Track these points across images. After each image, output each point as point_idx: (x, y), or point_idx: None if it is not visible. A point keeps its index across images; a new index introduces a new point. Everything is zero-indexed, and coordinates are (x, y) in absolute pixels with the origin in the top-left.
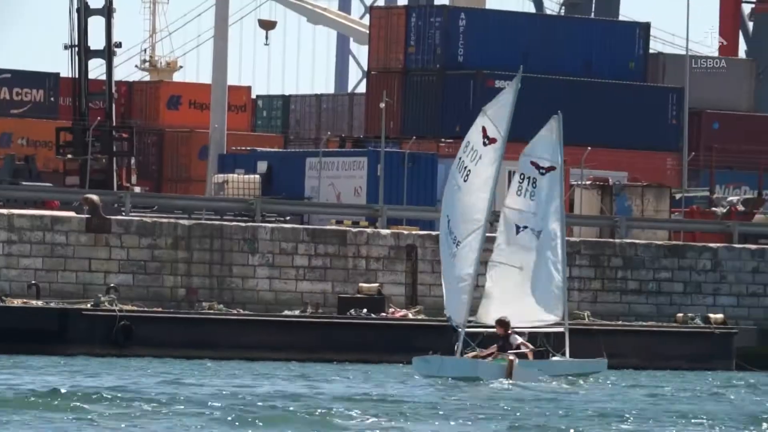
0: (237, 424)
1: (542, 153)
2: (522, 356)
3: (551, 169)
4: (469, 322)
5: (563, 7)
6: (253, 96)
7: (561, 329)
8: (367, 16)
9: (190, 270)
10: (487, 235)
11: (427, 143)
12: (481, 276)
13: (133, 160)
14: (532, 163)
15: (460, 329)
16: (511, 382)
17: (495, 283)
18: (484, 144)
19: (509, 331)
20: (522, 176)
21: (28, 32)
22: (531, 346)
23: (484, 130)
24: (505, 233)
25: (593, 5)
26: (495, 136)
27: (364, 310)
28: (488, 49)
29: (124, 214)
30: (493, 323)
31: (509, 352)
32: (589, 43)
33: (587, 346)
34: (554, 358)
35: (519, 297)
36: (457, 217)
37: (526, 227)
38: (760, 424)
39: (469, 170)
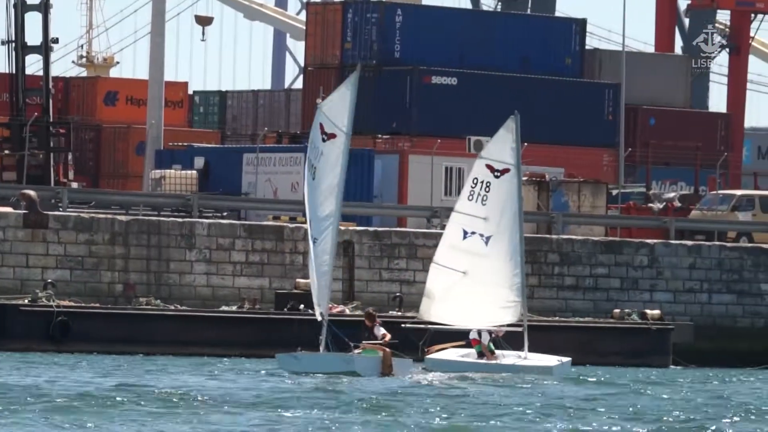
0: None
1: (498, 155)
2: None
3: (506, 171)
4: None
5: (500, 4)
6: (190, 92)
7: (519, 328)
8: (304, 12)
9: (128, 266)
10: (428, 230)
11: (364, 139)
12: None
13: (70, 156)
14: (488, 166)
15: (324, 324)
16: (390, 376)
17: (434, 284)
18: (323, 140)
19: (375, 323)
20: (475, 180)
21: None
22: (389, 336)
23: (321, 126)
24: (450, 237)
25: (529, 2)
26: (333, 131)
27: (302, 306)
28: (425, 46)
29: (61, 209)
30: (434, 321)
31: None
32: (526, 40)
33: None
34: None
35: (466, 300)
36: (312, 215)
37: (474, 232)
38: None
39: (315, 168)
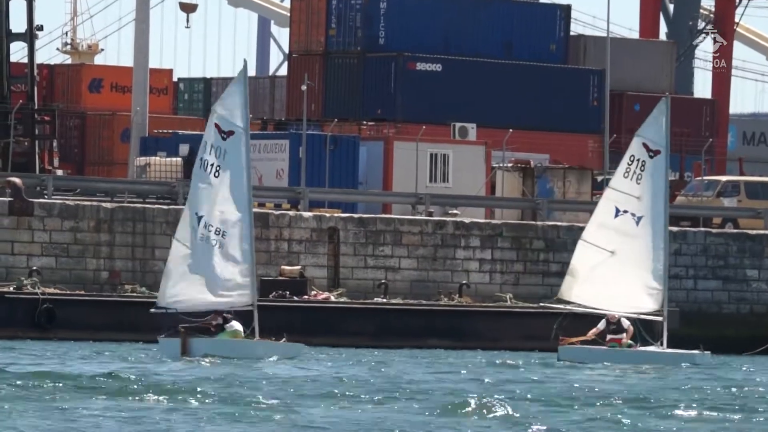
0: None
1: (652, 135)
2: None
3: (658, 152)
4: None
5: None
6: (175, 79)
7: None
8: None
9: (113, 253)
10: (413, 217)
11: (349, 126)
12: None
13: (55, 143)
14: (644, 145)
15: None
16: (187, 358)
17: (580, 262)
18: (223, 139)
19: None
20: (632, 158)
21: None
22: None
23: (217, 126)
24: (602, 214)
25: None
26: (231, 128)
27: (287, 293)
28: (409, 32)
29: (46, 197)
30: (574, 300)
31: None
32: (510, 26)
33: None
34: (650, 348)
35: (610, 281)
36: (214, 209)
37: (626, 211)
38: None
39: (218, 166)
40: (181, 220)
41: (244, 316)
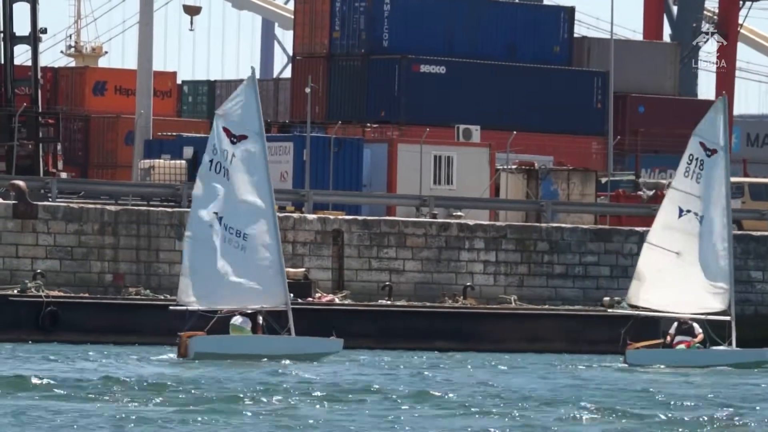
0: None
1: (709, 134)
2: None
3: (715, 152)
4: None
5: None
6: (179, 81)
7: (727, 318)
8: (292, 1)
9: (117, 256)
10: (417, 219)
11: (353, 128)
12: None
13: (59, 146)
14: (701, 144)
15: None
16: (186, 358)
17: (646, 266)
18: (233, 143)
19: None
20: (690, 157)
21: None
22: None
23: (226, 131)
24: (665, 215)
25: None
26: (243, 133)
27: (291, 295)
28: (413, 34)
29: (50, 199)
30: (642, 305)
31: None
32: (514, 27)
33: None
34: (719, 348)
35: (676, 282)
36: (233, 213)
37: (689, 211)
38: None
39: (227, 169)
40: (192, 217)
41: (277, 316)
